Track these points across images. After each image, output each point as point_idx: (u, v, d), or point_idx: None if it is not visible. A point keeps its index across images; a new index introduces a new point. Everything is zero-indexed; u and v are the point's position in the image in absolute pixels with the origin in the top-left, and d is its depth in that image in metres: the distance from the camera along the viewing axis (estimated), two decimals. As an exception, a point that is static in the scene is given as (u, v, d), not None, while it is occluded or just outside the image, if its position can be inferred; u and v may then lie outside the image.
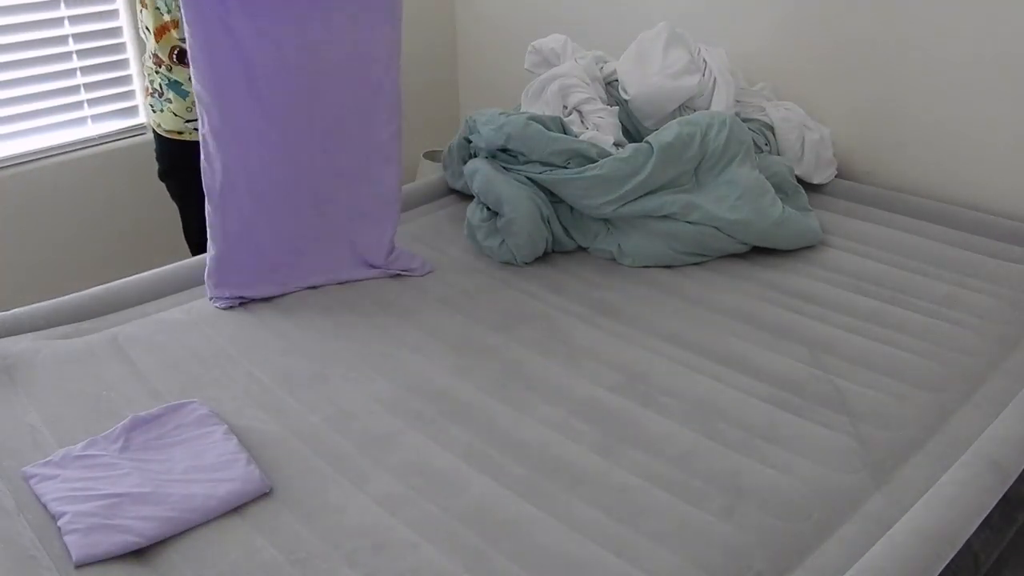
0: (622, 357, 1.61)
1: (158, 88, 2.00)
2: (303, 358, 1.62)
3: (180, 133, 2.02)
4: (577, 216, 2.02)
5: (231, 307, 1.74)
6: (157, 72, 1.98)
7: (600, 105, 2.24)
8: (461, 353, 1.63)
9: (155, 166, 2.63)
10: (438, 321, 1.74)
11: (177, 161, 2.06)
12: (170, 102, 1.98)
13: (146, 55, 2.01)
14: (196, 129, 1.99)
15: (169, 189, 2.13)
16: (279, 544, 1.20)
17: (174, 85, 1.97)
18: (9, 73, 2.33)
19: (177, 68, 1.96)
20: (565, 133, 2.09)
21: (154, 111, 2.04)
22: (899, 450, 1.37)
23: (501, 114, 2.11)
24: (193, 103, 1.97)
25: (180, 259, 1.97)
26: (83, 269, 2.56)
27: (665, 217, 1.95)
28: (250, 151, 1.65)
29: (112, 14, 2.47)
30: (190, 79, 1.93)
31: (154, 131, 2.09)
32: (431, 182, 2.38)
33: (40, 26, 2.35)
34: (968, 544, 1.20)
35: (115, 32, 2.49)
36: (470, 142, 2.19)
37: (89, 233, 2.58)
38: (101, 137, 2.54)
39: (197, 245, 2.21)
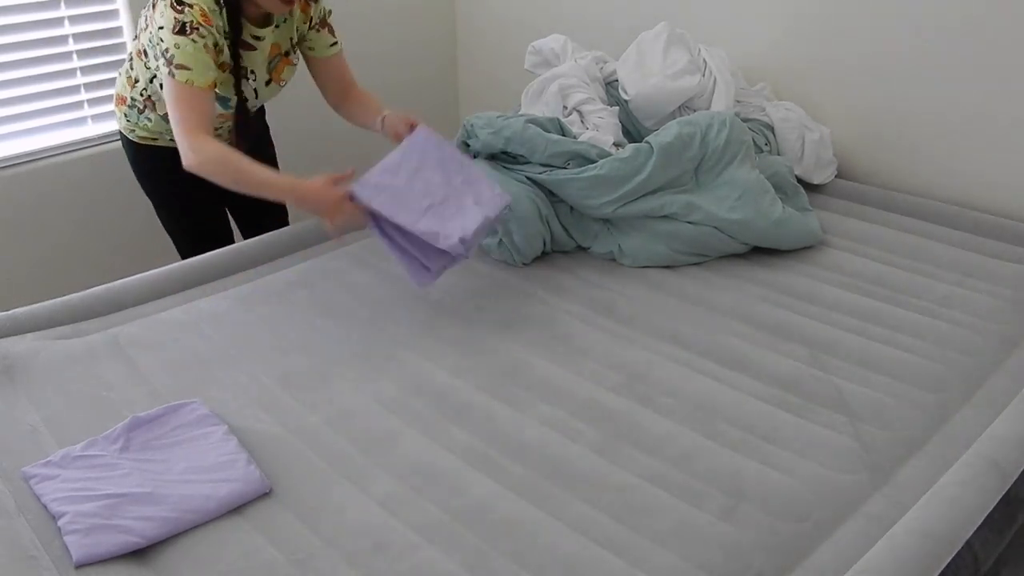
0: (622, 357, 1.61)
1: (138, 106, 1.92)
2: (303, 358, 1.62)
3: (155, 139, 1.96)
4: (577, 216, 2.02)
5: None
6: (143, 99, 1.91)
7: (600, 105, 2.24)
8: (461, 353, 1.63)
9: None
10: (438, 321, 1.74)
11: (152, 164, 1.99)
12: (149, 120, 1.93)
13: (131, 76, 1.93)
14: (172, 140, 1.87)
15: (146, 192, 2.09)
16: (279, 544, 1.20)
17: (159, 116, 1.92)
18: (9, 73, 2.33)
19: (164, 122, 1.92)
20: (563, 134, 2.09)
21: (128, 120, 1.96)
22: (899, 450, 1.37)
23: (499, 117, 2.11)
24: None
25: (180, 259, 1.96)
26: (83, 269, 2.56)
27: (665, 217, 1.95)
28: None
29: (112, 14, 2.47)
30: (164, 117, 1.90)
31: (126, 137, 2.00)
32: (431, 182, 2.38)
33: (40, 26, 2.35)
34: (968, 544, 1.20)
35: (115, 32, 2.49)
36: (468, 145, 2.19)
37: (89, 233, 2.58)
38: (101, 137, 2.54)
39: (183, 248, 2.14)
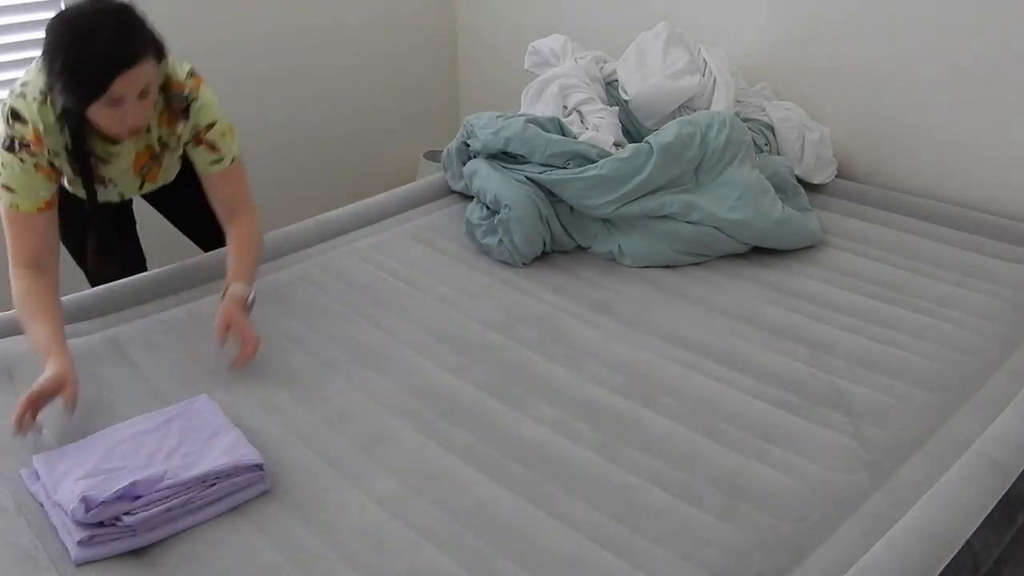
0: (622, 357, 1.61)
1: None
2: (303, 358, 1.62)
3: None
4: (577, 216, 2.02)
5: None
6: None
7: (600, 105, 2.24)
8: (461, 353, 1.63)
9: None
10: (438, 321, 1.74)
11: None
12: None
13: None
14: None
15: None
16: (279, 544, 1.20)
17: None
18: (9, 73, 2.33)
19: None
20: (563, 134, 2.09)
21: None
22: (899, 450, 1.37)
23: (499, 117, 2.11)
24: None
25: (180, 259, 1.96)
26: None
27: (665, 217, 1.95)
28: None
29: (112, 14, 2.47)
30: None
31: None
32: (431, 182, 2.38)
33: (40, 26, 2.34)
34: (968, 544, 1.20)
35: (115, 32, 2.48)
36: (468, 145, 2.19)
37: (89, 233, 2.58)
38: (101, 137, 2.54)
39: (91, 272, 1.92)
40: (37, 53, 2.41)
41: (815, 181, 2.27)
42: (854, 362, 1.58)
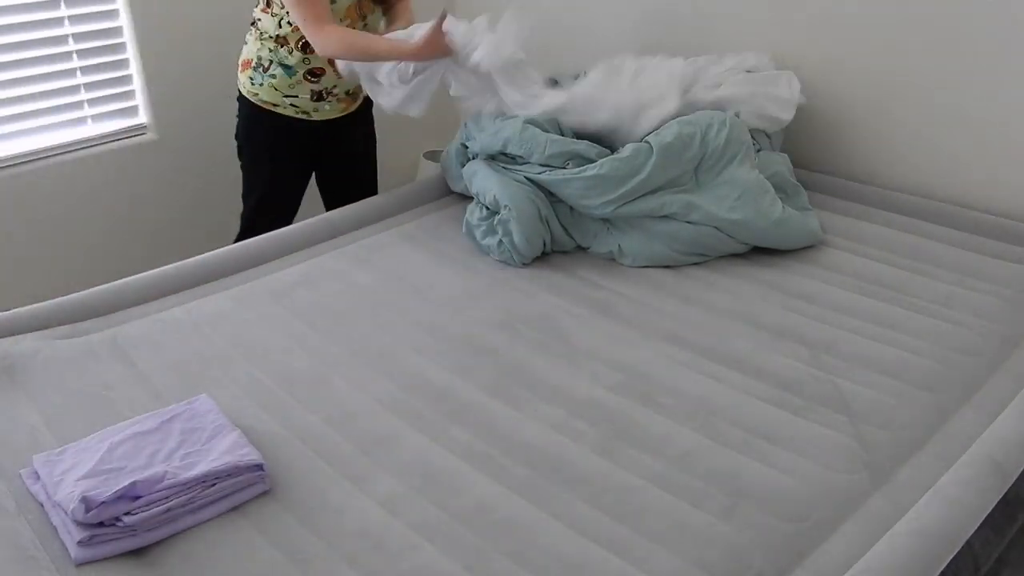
0: (622, 357, 1.61)
1: (264, 64, 2.10)
2: (303, 358, 1.62)
3: (276, 105, 2.13)
4: (577, 216, 2.02)
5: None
6: (272, 50, 2.08)
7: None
8: (461, 353, 1.64)
9: (154, 166, 2.64)
10: (438, 321, 1.75)
11: (264, 129, 2.17)
12: (273, 77, 2.09)
13: (258, 32, 2.10)
14: (292, 104, 2.14)
15: (241, 153, 2.23)
16: (279, 544, 1.20)
17: (284, 66, 2.09)
18: (9, 73, 2.33)
19: (297, 53, 2.07)
20: (562, 134, 2.09)
21: (252, 83, 2.13)
22: (899, 450, 1.37)
23: (497, 118, 2.11)
24: (296, 81, 2.11)
25: (180, 259, 1.97)
26: (83, 269, 2.56)
27: (665, 217, 1.95)
28: None
29: (112, 14, 2.46)
30: (302, 61, 2.09)
31: (246, 99, 2.16)
32: (431, 182, 2.38)
33: (40, 26, 2.35)
34: (968, 544, 1.20)
35: (115, 32, 2.48)
36: (467, 147, 2.19)
37: (89, 233, 2.58)
38: (101, 137, 2.54)
39: (247, 217, 2.30)
40: (37, 53, 2.41)
41: (785, 117, 2.21)
42: (854, 362, 1.58)
